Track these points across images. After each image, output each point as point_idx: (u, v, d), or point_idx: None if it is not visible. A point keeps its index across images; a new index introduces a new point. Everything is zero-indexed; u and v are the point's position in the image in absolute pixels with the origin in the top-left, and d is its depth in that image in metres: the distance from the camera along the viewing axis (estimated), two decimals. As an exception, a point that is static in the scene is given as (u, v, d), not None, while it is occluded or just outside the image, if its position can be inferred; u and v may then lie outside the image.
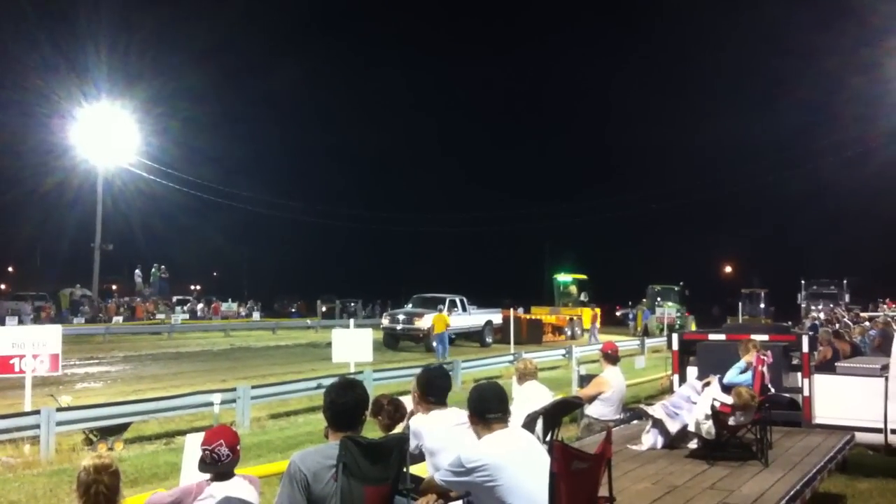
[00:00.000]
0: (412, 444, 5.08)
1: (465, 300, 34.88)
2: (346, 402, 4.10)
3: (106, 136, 48.13)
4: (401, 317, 32.82)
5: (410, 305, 34.55)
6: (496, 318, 35.84)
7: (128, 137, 49.55)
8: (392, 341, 32.06)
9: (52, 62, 55.75)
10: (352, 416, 4.09)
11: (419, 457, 5.38)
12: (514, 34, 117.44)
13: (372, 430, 4.70)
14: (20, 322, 34.61)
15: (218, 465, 4.60)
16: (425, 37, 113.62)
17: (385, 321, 33.49)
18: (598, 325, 40.85)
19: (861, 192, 61.60)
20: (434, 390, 5.48)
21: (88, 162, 49.30)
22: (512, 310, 29.49)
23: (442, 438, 5.23)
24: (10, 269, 79.92)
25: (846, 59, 53.38)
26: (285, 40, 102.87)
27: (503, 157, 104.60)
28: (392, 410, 5.89)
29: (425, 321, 31.54)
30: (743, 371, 8.88)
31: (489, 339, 35.01)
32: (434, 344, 28.16)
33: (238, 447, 4.69)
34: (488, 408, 4.52)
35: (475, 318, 35.18)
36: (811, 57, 69.58)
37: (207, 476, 4.70)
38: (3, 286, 70.26)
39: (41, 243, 70.27)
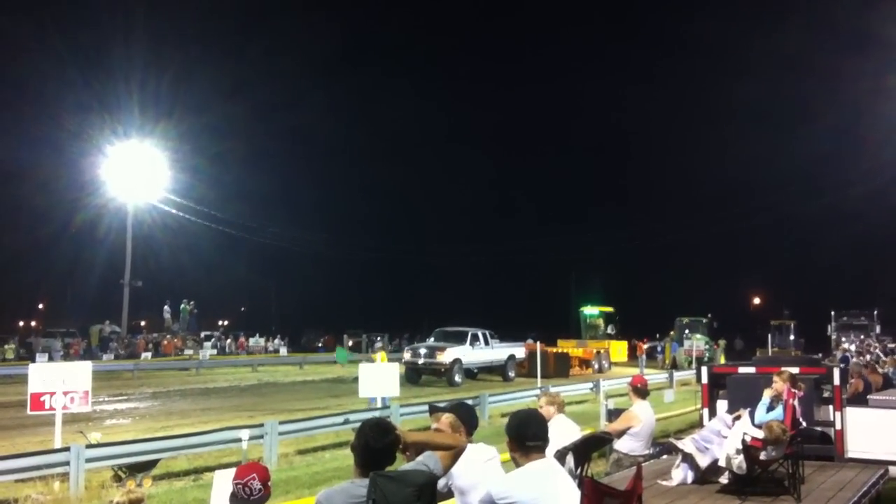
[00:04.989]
0: (441, 481, 5.04)
1: (487, 333, 34.67)
2: (381, 448, 4.09)
3: (135, 173, 48.83)
4: (422, 351, 32.68)
5: (432, 339, 34.47)
6: (519, 351, 35.69)
7: (157, 174, 50.24)
8: (414, 375, 31.79)
9: (84, 101, 57.01)
10: (384, 459, 4.09)
11: (447, 494, 5.35)
12: (541, 63, 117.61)
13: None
14: (50, 358, 35.06)
15: (249, 501, 4.61)
16: (448, 64, 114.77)
17: (407, 355, 33.27)
18: (644, 355, 41.90)
19: (891, 221, 61.04)
20: (469, 426, 5.44)
21: (118, 199, 49.97)
22: (539, 343, 29.34)
23: (473, 476, 5.19)
24: (40, 305, 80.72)
25: (872, 86, 53.06)
26: (310, 76, 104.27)
27: (529, 188, 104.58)
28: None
29: (447, 355, 31.49)
30: (770, 407, 8.79)
31: (511, 374, 34.78)
32: None
33: (269, 483, 4.70)
34: (529, 434, 4.53)
35: (497, 351, 34.95)
36: (837, 84, 69.41)
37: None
38: (33, 323, 71.00)
39: (71, 280, 70.97)
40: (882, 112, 51.68)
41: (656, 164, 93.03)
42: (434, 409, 5.80)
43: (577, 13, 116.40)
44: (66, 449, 11.69)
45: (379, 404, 17.88)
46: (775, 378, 9.10)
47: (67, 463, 11.48)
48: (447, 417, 5.40)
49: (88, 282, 60.89)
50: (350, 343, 54.70)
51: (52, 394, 12.56)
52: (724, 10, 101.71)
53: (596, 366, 40.10)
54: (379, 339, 59.09)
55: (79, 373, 13.02)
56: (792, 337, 48.19)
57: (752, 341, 47.18)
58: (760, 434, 8.25)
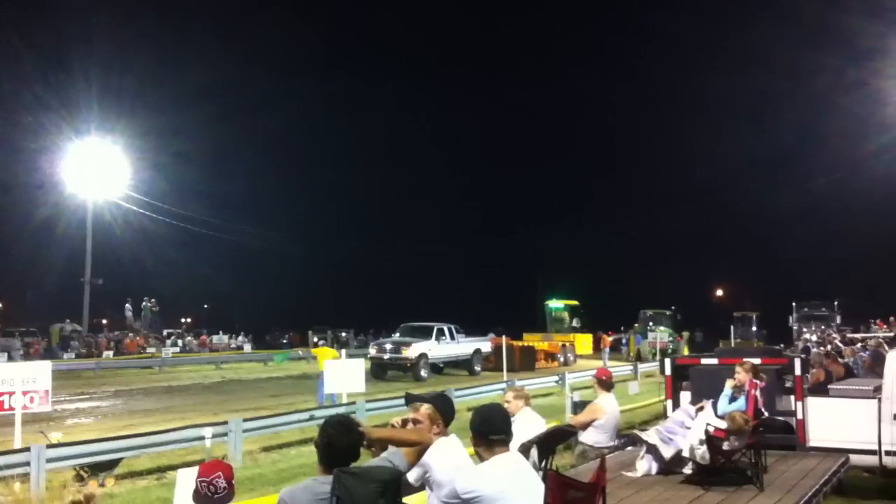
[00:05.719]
0: (417, 473, 5.00)
1: (453, 328, 34.67)
2: (345, 445, 4.06)
3: (96, 170, 48.23)
4: (388, 346, 32.64)
5: (398, 334, 34.45)
6: (485, 346, 35.81)
7: (118, 172, 49.68)
8: (380, 371, 31.75)
9: (44, 98, 56.02)
10: (348, 456, 4.05)
11: (418, 488, 5.32)
12: (505, 65, 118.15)
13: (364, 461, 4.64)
14: (10, 358, 34.50)
15: (214, 499, 4.56)
16: (414, 64, 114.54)
17: (372, 351, 33.21)
18: (608, 348, 41.62)
19: (851, 213, 61.97)
20: (447, 418, 5.41)
21: (78, 197, 49.31)
22: (504, 337, 29.45)
23: (452, 469, 5.16)
24: (-1, 304, 79.45)
25: (834, 79, 53.91)
26: (275, 75, 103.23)
27: (493, 185, 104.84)
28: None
29: (413, 350, 31.49)
30: (732, 399, 8.88)
31: (478, 368, 34.78)
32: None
33: (233, 481, 4.65)
34: (492, 428, 4.52)
35: (464, 346, 34.98)
36: (800, 78, 70.29)
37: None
38: (-8, 322, 69.87)
39: (31, 278, 69.92)
40: (843, 107, 52.47)
41: (621, 158, 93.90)
42: (411, 399, 5.73)
43: (551, 15, 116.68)
44: (27, 449, 11.50)
45: (342, 398, 17.77)
46: (738, 369, 9.20)
47: (28, 463, 11.29)
48: (426, 408, 5.35)
49: (48, 280, 60.11)
50: (315, 339, 54.51)
51: (11, 393, 12.35)
52: (691, 6, 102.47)
53: (561, 359, 40.36)
54: (344, 334, 59.02)
55: (39, 372, 12.82)
56: (754, 328, 48.79)
57: (714, 333, 47.69)
58: (723, 425, 8.33)
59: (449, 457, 5.23)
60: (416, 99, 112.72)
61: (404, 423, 5.30)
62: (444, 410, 5.40)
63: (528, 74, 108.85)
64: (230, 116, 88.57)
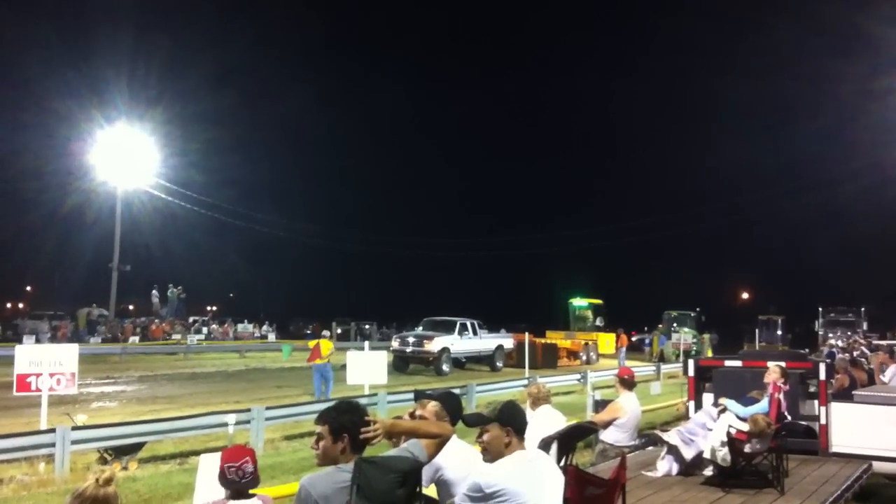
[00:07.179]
0: (428, 473, 5.00)
1: (476, 323, 34.67)
2: (354, 424, 4.08)
3: (125, 158, 48.55)
4: (410, 339, 32.66)
5: (421, 328, 34.53)
6: (507, 342, 35.84)
7: (146, 159, 49.98)
8: (402, 364, 31.84)
9: (74, 85, 56.73)
10: (357, 434, 4.06)
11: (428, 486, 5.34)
12: (522, 57, 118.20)
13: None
14: (37, 341, 34.91)
15: (240, 483, 4.65)
16: (436, 64, 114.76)
17: (395, 344, 33.27)
18: (624, 348, 41.25)
19: (878, 219, 61.41)
20: (454, 417, 5.41)
21: (108, 183, 49.69)
22: (527, 334, 29.42)
23: (462, 468, 5.18)
24: (28, 288, 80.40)
25: (862, 85, 53.27)
26: (300, 65, 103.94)
27: (518, 181, 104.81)
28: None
29: (435, 344, 31.54)
30: (751, 401, 8.82)
31: (499, 364, 34.80)
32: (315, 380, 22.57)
33: (257, 467, 4.75)
34: (522, 425, 4.55)
35: (486, 341, 35.01)
36: (827, 83, 69.62)
37: (223, 495, 4.72)
38: (21, 305, 70.73)
39: (60, 263, 70.69)
40: (870, 112, 51.95)
41: (647, 159, 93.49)
42: (420, 396, 5.77)
43: (562, 10, 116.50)
44: (52, 430, 11.66)
45: (364, 390, 17.86)
46: (771, 366, 9.13)
47: (53, 444, 11.45)
48: (433, 406, 5.38)
49: (77, 265, 60.71)
50: (339, 331, 54.69)
51: (38, 375, 12.54)
52: (714, 8, 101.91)
53: (584, 357, 40.22)
54: (367, 326, 59.13)
55: (65, 355, 12.99)
56: (779, 332, 48.40)
57: (733, 335, 47.43)
58: (745, 427, 8.29)
59: (459, 455, 5.26)
60: (445, 94, 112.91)
61: (411, 416, 5.34)
62: (451, 409, 5.41)
63: (548, 68, 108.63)
64: (258, 104, 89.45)
